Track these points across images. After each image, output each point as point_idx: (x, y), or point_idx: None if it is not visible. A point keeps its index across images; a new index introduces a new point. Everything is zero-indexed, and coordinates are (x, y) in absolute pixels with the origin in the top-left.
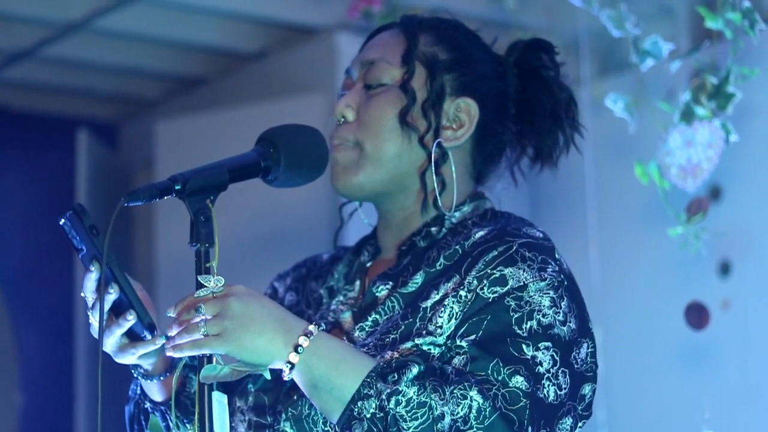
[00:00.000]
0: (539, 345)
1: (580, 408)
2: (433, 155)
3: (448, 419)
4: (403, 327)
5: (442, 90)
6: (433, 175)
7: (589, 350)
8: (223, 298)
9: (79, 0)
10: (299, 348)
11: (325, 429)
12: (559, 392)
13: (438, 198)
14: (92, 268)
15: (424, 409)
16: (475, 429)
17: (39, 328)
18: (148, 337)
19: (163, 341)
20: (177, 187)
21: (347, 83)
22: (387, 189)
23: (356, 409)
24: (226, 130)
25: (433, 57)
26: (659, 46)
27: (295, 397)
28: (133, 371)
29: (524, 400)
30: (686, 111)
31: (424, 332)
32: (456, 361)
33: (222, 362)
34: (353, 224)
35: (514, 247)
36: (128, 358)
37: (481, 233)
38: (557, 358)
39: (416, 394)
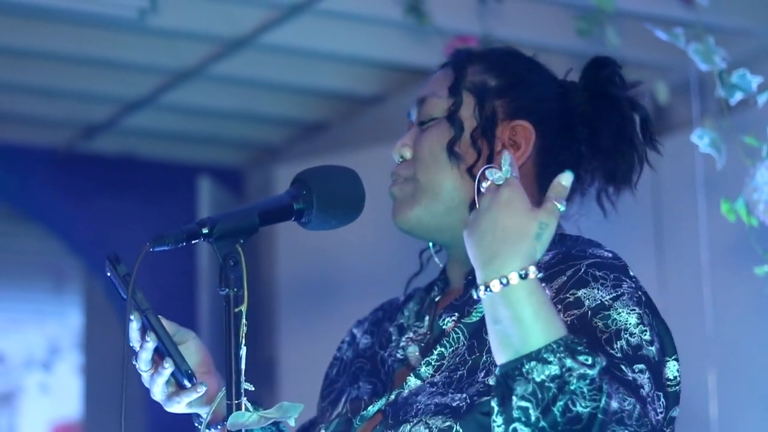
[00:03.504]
0: (634, 367)
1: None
2: (476, 184)
3: (615, 405)
4: (470, 362)
5: (492, 116)
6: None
7: (677, 370)
8: (486, 194)
9: (195, 47)
10: (503, 279)
11: None
12: (657, 417)
13: None
14: (131, 318)
15: (601, 394)
16: (633, 428)
17: None
18: (188, 385)
19: (205, 389)
20: (204, 231)
21: (408, 125)
22: (446, 222)
23: (526, 367)
24: None
25: (482, 84)
26: (747, 80)
27: None
28: (194, 421)
29: (645, 419)
30: None
31: (493, 368)
32: None
33: (251, 409)
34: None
35: (583, 268)
36: (176, 407)
37: (545, 257)
38: (653, 381)
39: (598, 377)
